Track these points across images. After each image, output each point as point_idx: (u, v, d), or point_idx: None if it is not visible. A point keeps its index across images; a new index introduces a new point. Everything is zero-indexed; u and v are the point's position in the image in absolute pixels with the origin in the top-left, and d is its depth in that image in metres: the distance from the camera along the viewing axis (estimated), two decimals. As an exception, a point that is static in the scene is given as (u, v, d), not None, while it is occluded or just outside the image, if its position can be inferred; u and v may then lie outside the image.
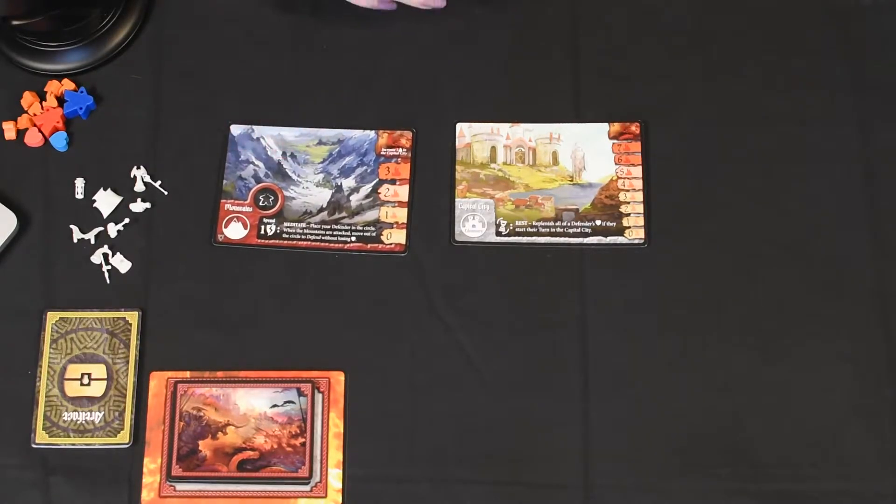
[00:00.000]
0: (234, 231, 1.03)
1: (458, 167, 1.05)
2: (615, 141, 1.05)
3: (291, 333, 1.00)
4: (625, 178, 1.04)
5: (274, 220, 1.04)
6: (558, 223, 1.03)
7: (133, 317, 1.01)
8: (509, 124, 1.06)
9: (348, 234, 1.03)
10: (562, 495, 0.95)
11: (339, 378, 0.99)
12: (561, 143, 1.05)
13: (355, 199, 1.04)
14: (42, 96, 1.08)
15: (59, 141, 1.06)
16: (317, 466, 0.96)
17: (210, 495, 0.96)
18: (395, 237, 1.03)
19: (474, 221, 1.03)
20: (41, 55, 1.08)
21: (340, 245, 1.03)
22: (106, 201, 1.04)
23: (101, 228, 1.04)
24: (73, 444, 0.97)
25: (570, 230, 1.02)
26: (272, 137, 1.06)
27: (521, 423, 0.97)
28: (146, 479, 0.96)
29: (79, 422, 0.98)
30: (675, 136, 1.05)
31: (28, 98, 1.07)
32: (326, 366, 0.99)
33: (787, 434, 0.96)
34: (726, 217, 1.02)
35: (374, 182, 1.05)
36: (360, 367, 0.99)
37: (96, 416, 0.98)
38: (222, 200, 1.04)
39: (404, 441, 0.97)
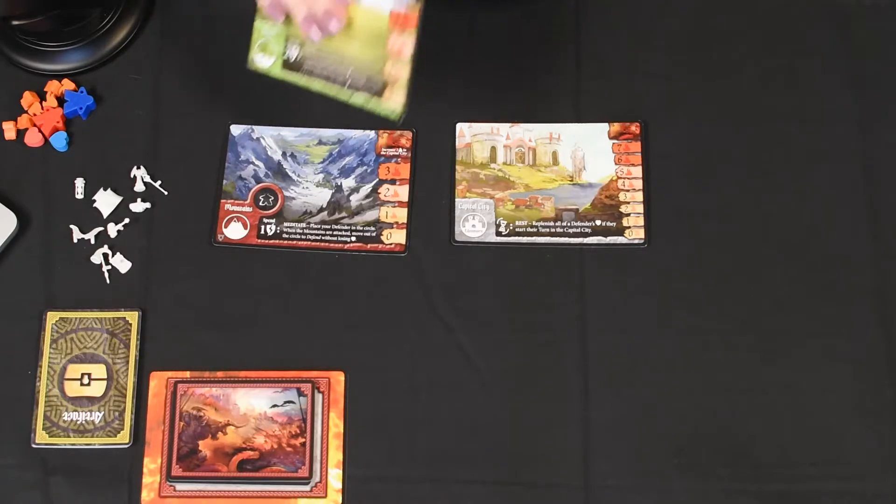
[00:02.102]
0: (234, 231, 1.03)
1: (458, 167, 1.05)
2: (615, 141, 1.05)
3: (291, 333, 1.00)
4: (625, 178, 1.04)
5: (274, 220, 1.04)
6: (558, 223, 1.03)
7: (133, 317, 1.01)
8: (509, 124, 1.06)
9: (348, 234, 1.03)
10: (562, 495, 0.95)
11: (339, 378, 0.99)
12: (561, 143, 1.05)
13: (355, 199, 1.04)
14: (42, 96, 1.08)
15: (59, 141, 1.06)
16: (317, 466, 0.96)
17: (210, 495, 0.96)
18: (395, 237, 1.03)
19: (474, 221, 1.03)
20: (41, 55, 1.08)
21: (340, 245, 1.03)
22: (106, 201, 1.04)
23: (101, 228, 1.04)
24: (73, 444, 0.97)
25: (570, 230, 1.02)
26: (272, 137, 1.06)
27: (521, 423, 0.97)
28: (146, 479, 0.96)
29: (79, 422, 0.98)
30: (675, 136, 1.05)
31: (28, 98, 1.07)
32: (326, 366, 0.99)
33: (787, 434, 0.96)
34: (726, 217, 1.02)
35: (374, 182, 1.05)
36: (360, 367, 0.99)
37: (96, 416, 0.98)
38: (222, 200, 1.04)
39: (404, 441, 0.97)
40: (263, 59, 0.98)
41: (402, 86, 0.95)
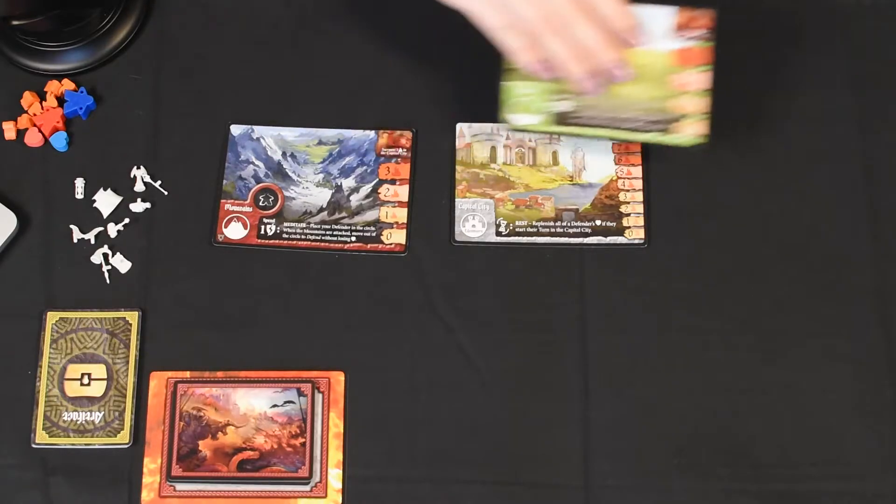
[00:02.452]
0: (234, 231, 1.03)
1: (458, 167, 1.05)
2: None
3: (291, 333, 1.00)
4: (625, 178, 1.04)
5: (274, 220, 1.04)
6: (558, 223, 1.03)
7: (133, 317, 1.01)
8: (509, 124, 1.06)
9: (348, 234, 1.03)
10: (562, 495, 0.95)
11: (339, 378, 0.99)
12: (561, 143, 1.05)
13: (355, 199, 1.04)
14: (42, 96, 1.08)
15: (59, 141, 1.06)
16: (317, 466, 0.96)
17: (210, 495, 0.96)
18: (395, 237, 1.03)
19: (474, 221, 1.03)
20: (41, 55, 1.08)
21: (340, 245, 1.03)
22: (106, 201, 1.04)
23: (101, 228, 1.04)
24: (73, 444, 0.97)
25: (570, 230, 1.02)
26: (272, 137, 1.06)
27: (521, 423, 0.97)
28: (146, 479, 0.96)
29: (79, 422, 0.98)
30: (675, 136, 1.05)
31: (28, 98, 1.07)
32: (326, 366, 0.99)
33: (787, 434, 0.96)
34: (726, 217, 1.02)
35: (374, 182, 1.05)
36: (360, 367, 0.99)
37: (96, 416, 0.98)
38: (222, 200, 1.04)
39: (404, 441, 0.97)
40: (525, 118, 0.98)
41: (699, 117, 0.96)
